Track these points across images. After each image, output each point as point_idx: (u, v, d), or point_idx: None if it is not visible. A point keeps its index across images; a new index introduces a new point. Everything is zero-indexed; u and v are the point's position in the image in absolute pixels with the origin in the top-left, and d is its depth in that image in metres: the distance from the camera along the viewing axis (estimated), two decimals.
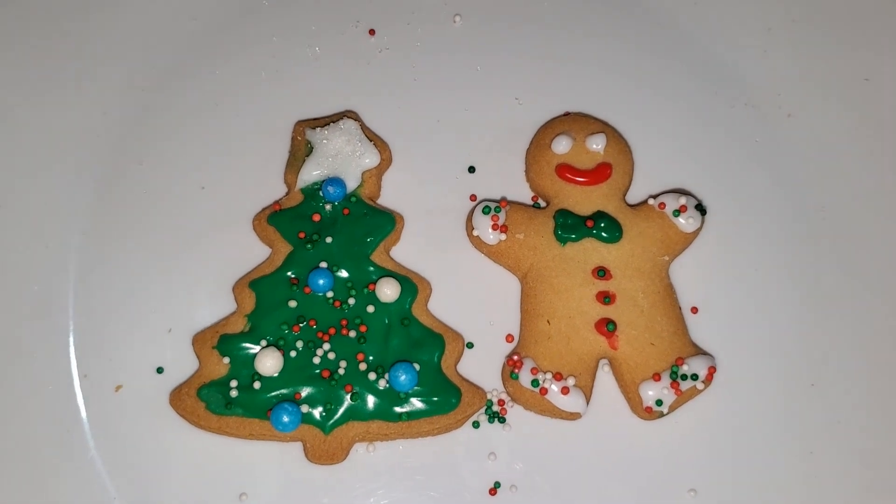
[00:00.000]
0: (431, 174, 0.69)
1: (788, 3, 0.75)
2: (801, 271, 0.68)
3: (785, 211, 0.70)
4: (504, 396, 0.64)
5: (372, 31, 0.72)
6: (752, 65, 0.73)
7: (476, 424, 0.63)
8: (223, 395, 0.61)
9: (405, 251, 0.67)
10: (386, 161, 0.68)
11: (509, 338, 0.65)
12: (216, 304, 0.65)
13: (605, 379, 0.65)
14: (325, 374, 0.61)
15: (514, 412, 0.64)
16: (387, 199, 0.68)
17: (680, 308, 0.65)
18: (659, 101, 0.72)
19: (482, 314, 0.66)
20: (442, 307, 0.65)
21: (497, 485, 0.62)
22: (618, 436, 0.63)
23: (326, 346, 0.62)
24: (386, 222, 0.66)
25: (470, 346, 0.65)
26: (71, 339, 0.64)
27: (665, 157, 0.70)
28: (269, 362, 0.61)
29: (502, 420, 0.63)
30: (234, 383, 0.61)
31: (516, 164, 0.69)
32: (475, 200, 0.68)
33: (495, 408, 0.63)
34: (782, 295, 0.67)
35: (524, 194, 0.69)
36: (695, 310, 0.66)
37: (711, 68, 0.73)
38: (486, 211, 0.65)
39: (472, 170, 0.69)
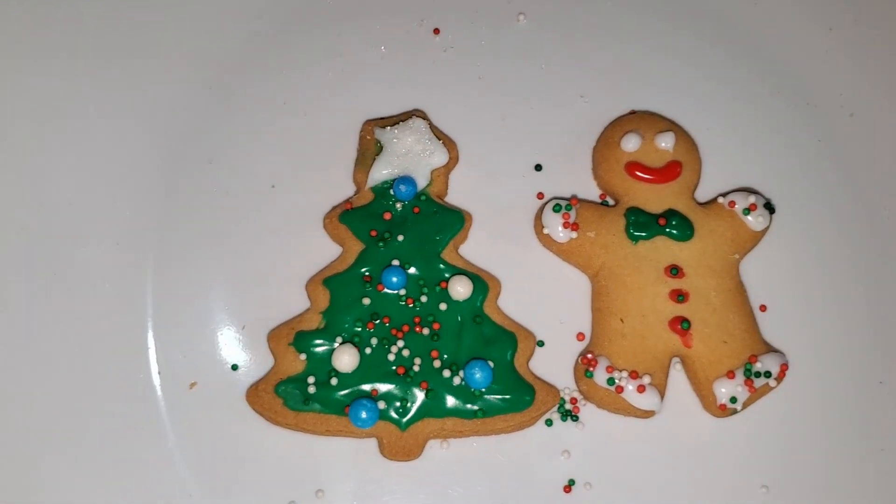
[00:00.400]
0: (498, 172, 0.69)
1: (850, 3, 0.75)
2: (867, 269, 0.68)
3: (849, 209, 0.70)
4: (576, 394, 0.64)
5: (436, 31, 0.73)
6: (813, 65, 0.74)
7: (549, 422, 0.63)
8: (301, 392, 0.61)
9: (473, 249, 0.67)
10: (454, 159, 0.68)
11: (580, 336, 0.65)
12: (288, 301, 0.65)
13: (675, 376, 0.65)
14: (401, 370, 0.62)
15: (587, 410, 0.64)
16: (454, 198, 0.68)
17: (751, 306, 0.65)
18: (721, 101, 0.72)
19: (551, 312, 0.66)
20: (511, 305, 0.66)
21: (571, 482, 0.62)
22: (690, 433, 0.64)
23: (400, 344, 0.62)
24: (455, 220, 0.66)
25: (541, 344, 0.65)
26: (150, 336, 0.64)
27: (728, 155, 0.71)
28: (346, 359, 0.61)
29: (575, 418, 0.64)
30: (311, 379, 0.61)
31: (582, 162, 0.70)
32: (542, 198, 0.68)
33: (567, 406, 0.64)
34: (849, 293, 0.68)
35: (591, 192, 0.69)
36: (763, 308, 0.66)
37: (774, 68, 0.73)
38: (556, 209, 0.65)
39: (538, 168, 0.69)
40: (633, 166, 0.66)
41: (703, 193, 0.68)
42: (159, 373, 0.64)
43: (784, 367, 0.63)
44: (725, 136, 0.71)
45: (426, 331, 0.63)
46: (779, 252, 0.68)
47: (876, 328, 0.67)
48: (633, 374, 0.61)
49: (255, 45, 0.71)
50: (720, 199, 0.66)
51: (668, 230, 0.64)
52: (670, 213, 0.65)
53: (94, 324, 0.64)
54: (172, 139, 0.69)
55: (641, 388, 0.61)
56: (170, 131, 0.69)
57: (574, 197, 0.67)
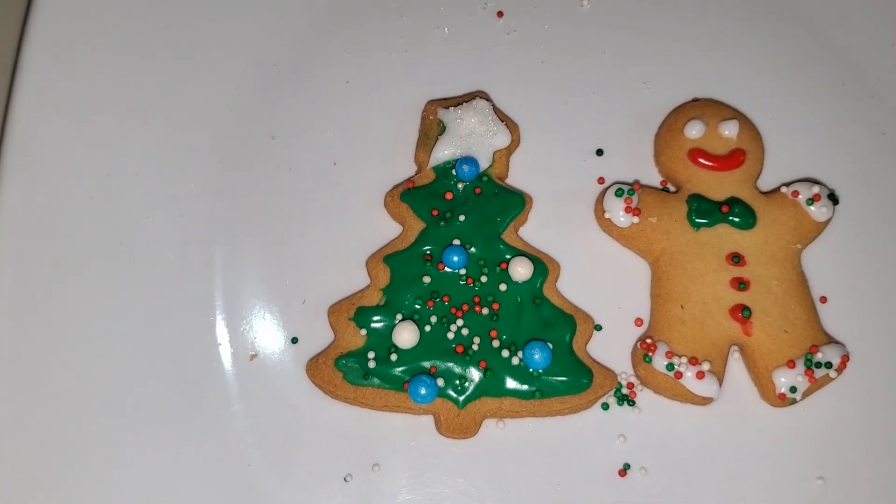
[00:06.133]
0: (559, 156, 0.70)
1: None
2: None
3: None
4: (633, 379, 0.64)
5: (500, 14, 0.73)
6: (880, 58, 0.73)
7: (605, 406, 0.63)
8: (361, 366, 0.61)
9: (533, 231, 0.67)
10: (515, 142, 0.68)
11: (638, 321, 0.65)
12: (347, 277, 0.66)
13: (733, 365, 0.64)
14: (460, 349, 0.62)
15: (643, 395, 0.64)
16: (514, 180, 0.69)
17: (811, 296, 0.64)
18: (785, 91, 0.72)
19: (610, 297, 0.66)
20: (569, 288, 0.66)
21: (627, 466, 0.62)
22: (746, 421, 0.64)
23: (460, 322, 0.63)
24: (517, 202, 0.66)
25: (598, 328, 0.65)
26: (216, 307, 0.65)
27: (791, 145, 0.70)
28: (406, 335, 0.61)
29: (632, 403, 0.64)
30: (371, 354, 0.61)
31: (644, 148, 0.70)
32: (603, 183, 0.68)
33: (624, 390, 0.64)
34: None
35: (651, 178, 0.69)
36: (824, 299, 0.66)
37: (838, 60, 0.73)
38: (619, 193, 0.65)
39: (600, 152, 0.69)
40: (696, 153, 0.66)
41: (765, 182, 0.68)
42: (223, 344, 0.64)
43: (845, 359, 0.62)
44: (789, 126, 0.70)
45: (486, 310, 0.63)
46: (841, 244, 0.68)
47: None
48: (693, 361, 0.61)
49: (322, 24, 0.72)
50: (783, 189, 0.66)
51: (730, 218, 0.64)
52: (733, 201, 0.64)
53: (160, 294, 0.65)
54: (238, 114, 0.70)
55: (701, 375, 0.61)
56: (235, 107, 0.70)
57: (636, 182, 0.67)
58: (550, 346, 0.62)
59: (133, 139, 0.69)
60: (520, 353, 0.62)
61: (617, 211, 0.65)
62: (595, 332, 0.65)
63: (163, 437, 0.62)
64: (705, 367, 0.61)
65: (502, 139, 0.67)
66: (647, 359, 0.62)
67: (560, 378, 0.62)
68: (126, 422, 0.62)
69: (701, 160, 0.66)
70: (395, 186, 0.67)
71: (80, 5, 0.70)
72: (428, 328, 0.63)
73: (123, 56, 0.70)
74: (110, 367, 0.63)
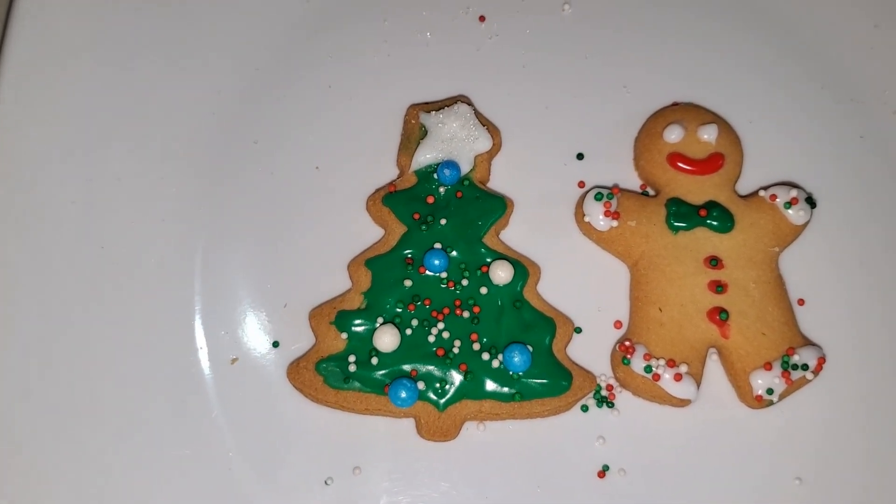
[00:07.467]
0: (540, 160, 0.70)
1: None
2: None
3: (890, 206, 0.70)
4: (612, 381, 0.64)
5: (482, 18, 0.73)
6: (859, 61, 0.74)
7: (585, 408, 0.64)
8: (341, 370, 0.62)
9: (514, 235, 0.68)
10: (497, 146, 0.69)
11: (617, 324, 0.66)
12: (329, 281, 0.66)
13: (710, 367, 0.65)
14: (440, 352, 0.62)
15: (623, 397, 0.65)
16: (495, 184, 0.69)
17: (789, 299, 0.65)
18: (765, 95, 0.72)
19: (590, 300, 0.67)
20: (550, 291, 0.66)
21: (606, 468, 0.63)
22: (724, 423, 0.64)
23: (441, 326, 0.63)
24: (498, 206, 0.67)
25: (578, 330, 0.66)
26: (196, 311, 0.65)
27: (771, 149, 0.71)
28: (387, 339, 0.62)
29: (611, 405, 0.64)
30: (352, 358, 0.62)
31: (624, 152, 0.70)
32: (583, 187, 0.69)
33: (604, 392, 0.64)
34: (888, 289, 0.68)
35: (632, 182, 0.70)
36: (802, 301, 0.67)
37: (819, 63, 0.73)
38: (598, 197, 0.65)
39: (580, 156, 0.70)
40: (675, 157, 0.67)
41: (744, 186, 0.69)
42: (203, 347, 0.65)
43: (821, 361, 0.63)
44: (768, 130, 0.71)
45: (466, 314, 0.63)
46: (819, 247, 0.68)
47: None
48: (671, 363, 0.62)
49: (303, 29, 0.72)
50: (761, 192, 0.67)
51: (708, 221, 0.64)
52: (711, 205, 0.65)
53: (141, 298, 0.65)
54: (220, 119, 0.70)
55: (678, 377, 0.61)
56: (217, 111, 0.70)
57: (616, 186, 0.67)
58: (530, 348, 0.62)
59: (115, 144, 0.69)
60: (500, 356, 0.62)
61: (596, 214, 0.66)
62: (575, 334, 0.66)
63: (143, 441, 0.62)
64: (683, 369, 0.62)
65: (483, 143, 0.68)
66: (625, 361, 0.62)
67: (540, 380, 0.62)
68: (106, 426, 0.63)
69: (680, 164, 0.66)
70: (378, 190, 0.68)
71: (62, 10, 0.70)
72: (409, 331, 0.63)
73: (105, 61, 0.70)
74: (90, 371, 0.63)
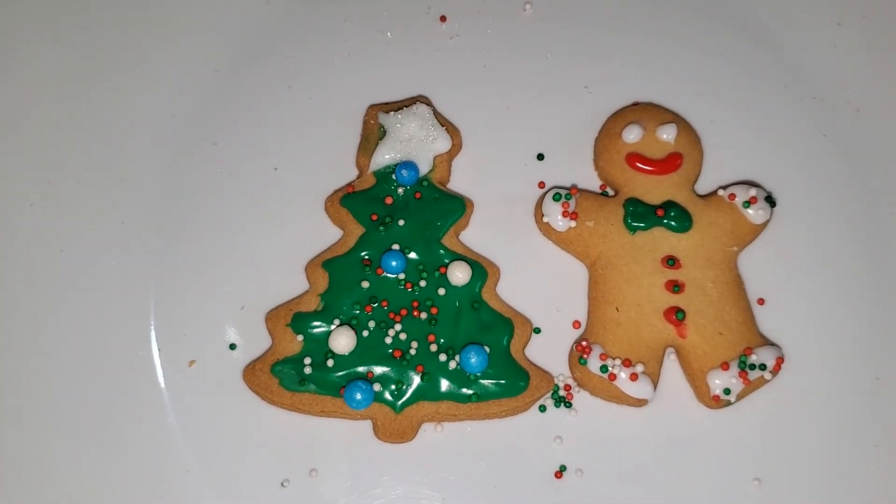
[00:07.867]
0: (500, 160, 0.70)
1: None
2: (867, 265, 0.68)
3: (852, 205, 0.70)
4: (570, 381, 0.64)
5: (443, 18, 0.73)
6: (821, 59, 0.73)
7: (542, 408, 0.64)
8: (297, 372, 0.62)
9: (474, 236, 0.68)
10: (457, 146, 0.69)
11: (576, 324, 0.66)
12: (287, 283, 0.66)
13: (669, 367, 0.65)
14: (397, 354, 0.62)
15: (580, 397, 0.64)
16: (456, 185, 0.69)
17: (748, 299, 0.65)
18: (726, 93, 0.72)
19: (549, 300, 0.67)
20: (509, 292, 0.66)
21: (563, 468, 0.63)
22: (682, 423, 0.64)
23: (398, 327, 0.63)
24: (457, 207, 0.66)
25: (537, 331, 0.65)
26: (151, 313, 0.65)
27: (732, 148, 0.71)
28: (342, 341, 0.62)
29: (569, 405, 0.64)
30: (307, 360, 0.62)
31: (585, 153, 0.70)
32: (544, 188, 0.69)
33: (562, 392, 0.64)
34: (848, 288, 0.68)
35: (592, 182, 0.69)
36: (762, 301, 0.66)
37: (780, 62, 0.73)
38: (556, 198, 0.65)
39: (540, 157, 0.70)
40: (633, 157, 0.66)
41: (705, 186, 0.69)
42: (160, 350, 0.65)
43: (780, 361, 0.63)
44: (729, 129, 0.71)
45: (424, 315, 0.63)
46: (779, 246, 0.68)
47: (873, 324, 0.66)
48: (627, 363, 0.61)
49: (262, 28, 0.72)
50: (720, 192, 0.66)
51: (665, 221, 0.64)
52: (669, 205, 0.65)
53: (98, 301, 0.65)
54: (178, 121, 0.70)
55: (634, 377, 0.61)
56: (176, 113, 0.70)
57: (574, 186, 0.67)
58: (487, 349, 0.62)
59: (75, 146, 0.69)
60: (457, 357, 0.62)
61: (555, 215, 0.65)
62: (534, 334, 0.65)
63: (98, 445, 0.62)
64: (639, 368, 0.62)
65: (443, 144, 0.67)
66: (582, 361, 0.62)
67: (496, 381, 0.62)
68: (59, 430, 0.62)
69: (638, 164, 0.66)
70: (336, 191, 0.68)
71: (19, 10, 0.70)
72: (366, 333, 0.63)
73: (63, 62, 0.70)
74: (43, 373, 0.63)
